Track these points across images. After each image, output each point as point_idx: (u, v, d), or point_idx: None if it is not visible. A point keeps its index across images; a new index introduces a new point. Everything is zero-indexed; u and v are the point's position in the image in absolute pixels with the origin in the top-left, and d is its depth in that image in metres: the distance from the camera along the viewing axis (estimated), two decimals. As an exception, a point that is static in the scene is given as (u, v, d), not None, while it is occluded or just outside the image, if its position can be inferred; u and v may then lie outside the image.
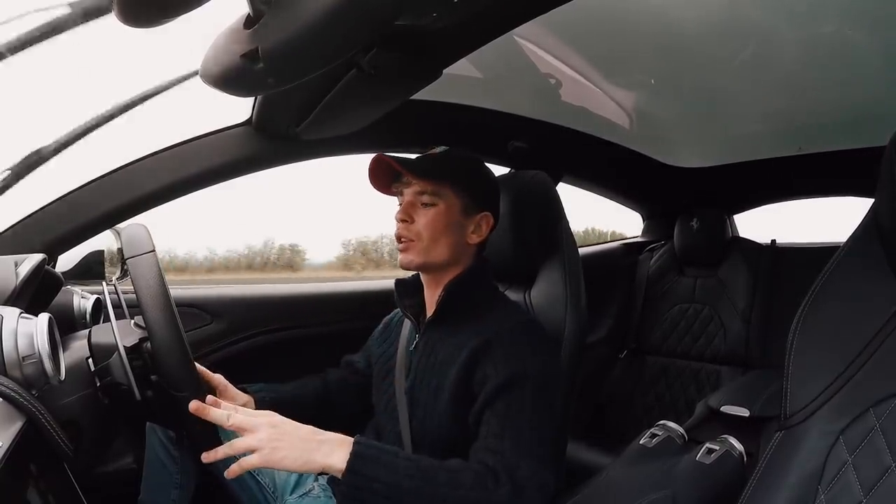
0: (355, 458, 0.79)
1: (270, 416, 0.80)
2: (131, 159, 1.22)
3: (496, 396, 0.90)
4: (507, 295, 1.22)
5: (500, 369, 0.91)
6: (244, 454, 0.78)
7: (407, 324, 1.16)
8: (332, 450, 0.79)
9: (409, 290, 1.14)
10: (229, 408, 0.81)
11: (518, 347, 0.95)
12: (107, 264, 1.17)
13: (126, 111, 1.12)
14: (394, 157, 1.03)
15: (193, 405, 0.79)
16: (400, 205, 1.06)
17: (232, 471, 0.78)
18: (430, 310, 1.09)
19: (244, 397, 1.11)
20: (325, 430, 0.83)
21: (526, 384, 0.91)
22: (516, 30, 0.95)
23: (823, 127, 1.64)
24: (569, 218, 1.26)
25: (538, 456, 0.86)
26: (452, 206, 1.04)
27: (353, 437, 0.83)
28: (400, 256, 1.05)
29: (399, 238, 1.04)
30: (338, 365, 1.30)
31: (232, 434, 1.15)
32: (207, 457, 0.80)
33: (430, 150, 1.09)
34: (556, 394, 0.96)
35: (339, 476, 0.79)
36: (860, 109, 1.48)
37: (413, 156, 1.10)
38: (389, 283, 1.17)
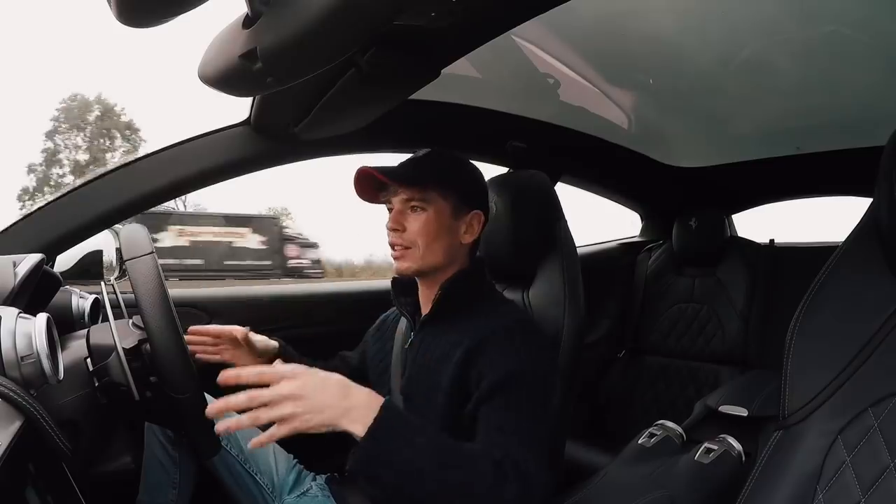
0: (378, 426, 0.75)
1: (292, 384, 0.74)
2: (130, 159, 1.22)
3: (492, 394, 0.90)
4: (504, 294, 1.22)
5: (496, 367, 0.91)
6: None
7: (403, 322, 1.17)
8: (358, 415, 0.75)
9: (405, 289, 1.14)
10: (246, 394, 0.74)
11: (513, 346, 0.94)
12: (105, 264, 1.17)
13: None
14: (377, 167, 1.01)
15: (221, 427, 0.74)
16: (390, 211, 1.05)
17: (260, 441, 0.74)
18: (425, 308, 1.09)
19: (267, 342, 1.17)
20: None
21: (521, 382, 0.90)
22: (515, 30, 0.94)
23: (821, 127, 1.64)
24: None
25: (538, 454, 0.86)
26: (442, 209, 1.03)
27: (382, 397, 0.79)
28: (396, 264, 1.04)
29: (393, 246, 1.04)
30: None
31: (234, 435, 1.17)
32: (255, 442, 0.74)
33: (410, 156, 1.09)
34: (550, 393, 0.96)
35: (358, 440, 0.75)
36: (858, 109, 1.48)
37: (405, 156, 1.10)
38: (388, 283, 1.17)
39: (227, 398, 0.73)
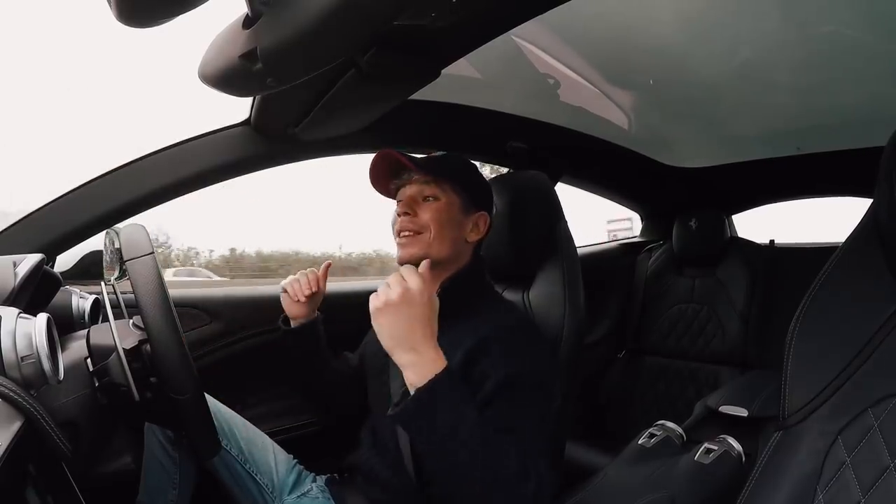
0: (438, 381, 0.78)
1: (407, 291, 0.81)
2: (130, 159, 1.21)
3: (496, 395, 0.89)
4: (504, 295, 1.22)
5: (499, 368, 0.91)
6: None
7: None
8: (414, 362, 0.80)
9: None
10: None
11: (515, 346, 0.95)
12: (105, 265, 1.17)
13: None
14: (398, 153, 1.04)
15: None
16: (399, 201, 1.08)
17: None
18: None
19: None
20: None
21: (524, 384, 0.91)
22: (514, 30, 0.95)
23: (822, 127, 1.64)
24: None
25: (545, 453, 0.86)
26: (454, 202, 1.06)
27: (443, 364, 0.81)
28: (401, 251, 1.05)
29: (401, 232, 1.05)
30: None
31: (234, 436, 1.17)
32: None
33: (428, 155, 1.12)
34: (552, 392, 0.96)
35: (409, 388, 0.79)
36: (858, 110, 1.48)
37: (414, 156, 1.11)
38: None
39: None
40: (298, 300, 1.17)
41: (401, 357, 0.80)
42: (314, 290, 1.18)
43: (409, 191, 1.06)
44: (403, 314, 0.80)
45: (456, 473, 0.78)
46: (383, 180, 1.10)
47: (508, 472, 0.79)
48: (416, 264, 1.07)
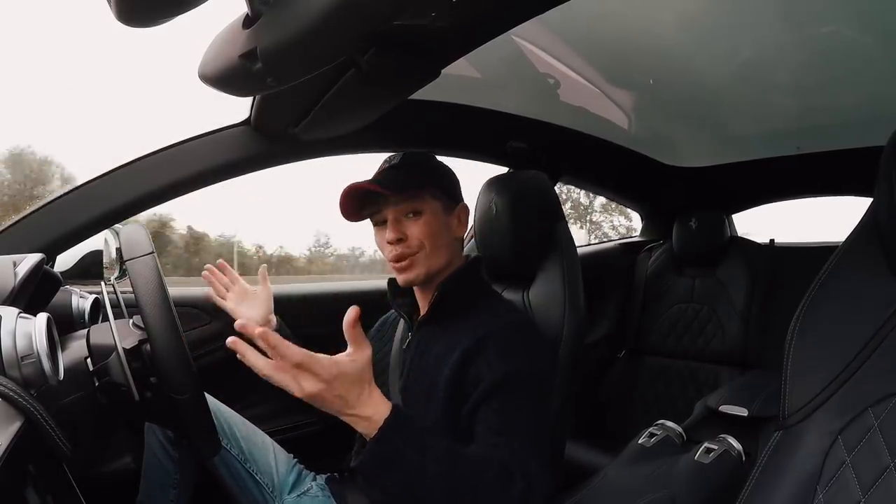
0: (387, 427, 0.75)
1: (319, 393, 0.73)
2: (130, 159, 1.21)
3: (492, 394, 0.89)
4: (504, 295, 1.22)
5: (496, 367, 0.91)
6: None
7: (401, 322, 1.16)
8: (358, 420, 0.75)
9: (401, 289, 1.13)
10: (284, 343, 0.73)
11: (513, 346, 0.94)
12: (105, 264, 1.17)
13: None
14: (371, 181, 1.01)
15: (238, 324, 0.72)
16: (378, 224, 1.04)
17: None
18: (422, 309, 1.09)
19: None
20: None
21: (521, 383, 0.90)
22: (515, 29, 0.94)
23: (822, 127, 1.64)
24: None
25: (540, 454, 0.86)
26: (436, 209, 1.02)
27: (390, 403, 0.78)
28: (402, 276, 1.02)
29: (400, 258, 1.01)
30: None
31: (234, 435, 1.17)
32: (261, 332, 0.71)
33: (385, 164, 1.08)
34: (550, 392, 0.96)
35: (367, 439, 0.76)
36: (858, 109, 1.48)
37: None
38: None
39: (266, 329, 0.71)
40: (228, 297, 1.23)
41: (345, 419, 0.76)
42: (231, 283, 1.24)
43: (389, 214, 1.01)
44: (327, 399, 0.73)
45: (440, 497, 0.77)
46: (353, 209, 1.04)
47: (490, 479, 0.78)
48: (421, 283, 1.04)
